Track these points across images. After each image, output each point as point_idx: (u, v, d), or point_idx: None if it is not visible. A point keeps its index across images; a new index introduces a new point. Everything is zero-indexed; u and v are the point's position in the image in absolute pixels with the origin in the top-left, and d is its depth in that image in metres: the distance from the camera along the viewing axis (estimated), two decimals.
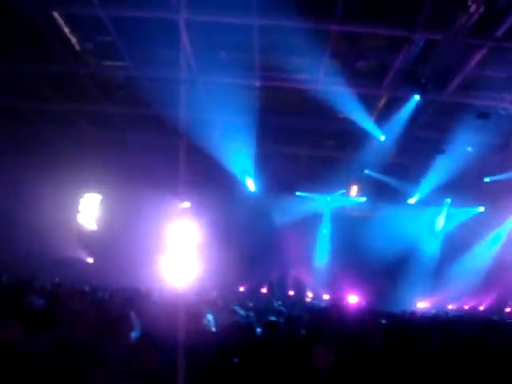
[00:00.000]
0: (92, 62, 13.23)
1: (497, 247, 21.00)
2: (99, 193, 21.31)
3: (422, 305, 20.71)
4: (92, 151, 18.34)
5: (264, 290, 19.27)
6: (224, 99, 13.87)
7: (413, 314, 13.02)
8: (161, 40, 11.68)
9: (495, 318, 14.50)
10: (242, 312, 9.25)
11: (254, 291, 19.49)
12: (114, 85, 14.35)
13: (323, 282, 21.03)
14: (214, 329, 7.12)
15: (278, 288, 18.56)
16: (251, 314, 9.03)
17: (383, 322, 9.72)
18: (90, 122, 17.87)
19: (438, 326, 9.88)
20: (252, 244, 19.64)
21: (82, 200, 21.36)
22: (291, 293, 20.65)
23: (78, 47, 12.66)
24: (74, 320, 5.62)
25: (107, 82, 14.59)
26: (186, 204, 19.86)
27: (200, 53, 12.44)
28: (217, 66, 12.74)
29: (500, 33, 10.68)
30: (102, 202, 21.34)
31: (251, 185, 20.26)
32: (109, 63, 13.33)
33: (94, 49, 12.87)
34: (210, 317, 7.47)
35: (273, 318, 8.40)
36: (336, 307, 12.62)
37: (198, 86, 13.83)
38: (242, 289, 19.85)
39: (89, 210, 21.40)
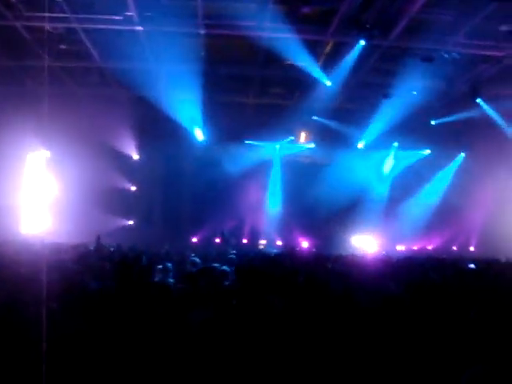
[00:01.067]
0: (28, 14, 12.63)
1: (443, 188, 21.61)
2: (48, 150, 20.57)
3: (374, 247, 21.23)
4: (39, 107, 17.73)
5: (217, 240, 19.32)
6: (168, 48, 13.59)
7: (363, 256, 13.33)
8: None
9: (444, 256, 14.98)
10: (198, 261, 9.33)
11: (207, 241, 19.58)
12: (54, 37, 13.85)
13: (276, 228, 21.30)
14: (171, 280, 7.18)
15: (232, 237, 18.65)
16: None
17: (329, 266, 9.91)
18: (33, 77, 17.21)
19: (388, 266, 10.14)
20: (203, 194, 19.64)
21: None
22: (245, 241, 20.83)
23: None
24: None
25: (47, 35, 14.03)
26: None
27: (142, 1, 12.04)
28: (160, 15, 12.39)
29: None
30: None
31: (199, 134, 20.10)
32: (46, 15, 12.74)
33: (30, 0, 12.29)
34: (169, 266, 7.53)
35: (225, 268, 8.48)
36: (288, 253, 12.79)
37: (141, 35, 13.44)
38: (194, 239, 19.87)
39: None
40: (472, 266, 10.55)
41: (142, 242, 15.48)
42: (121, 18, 12.55)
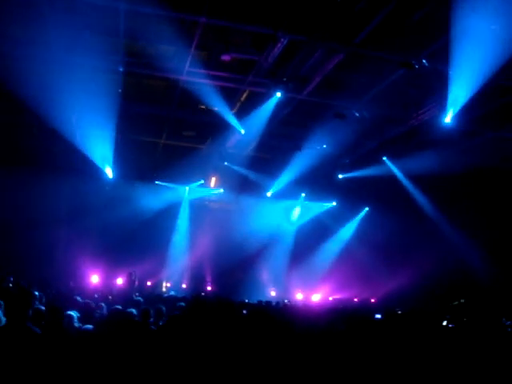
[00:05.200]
0: None
1: (347, 240, 22.19)
2: None
3: (273, 294, 21.43)
4: None
5: (120, 281, 18.67)
6: (85, 81, 13.35)
7: (268, 303, 13.52)
8: (20, 15, 11.00)
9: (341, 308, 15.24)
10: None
11: (108, 281, 18.95)
12: None
13: (181, 271, 21.08)
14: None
15: (136, 278, 18.14)
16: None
17: (244, 312, 9.92)
18: None
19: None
20: (109, 232, 19.08)
21: None
22: (149, 283, 20.35)
23: None
24: None
25: None
26: None
27: (62, 31, 11.79)
28: (79, 47, 12.19)
29: (358, 40, 11.24)
30: None
31: (109, 172, 19.69)
32: None
33: None
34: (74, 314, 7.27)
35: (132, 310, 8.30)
36: (196, 299, 12.69)
37: (58, 65, 13.13)
38: (96, 279, 19.12)
39: None
40: (378, 316, 10.81)
41: (41, 276, 14.89)
42: (38, 45, 12.23)
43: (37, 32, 11.70)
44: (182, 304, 10.37)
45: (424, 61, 11.52)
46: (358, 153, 18.09)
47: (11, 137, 18.35)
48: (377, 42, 11.30)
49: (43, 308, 6.79)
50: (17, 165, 18.60)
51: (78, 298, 10.11)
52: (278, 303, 14.86)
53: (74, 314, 7.28)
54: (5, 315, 6.69)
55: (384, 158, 17.84)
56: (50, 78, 13.17)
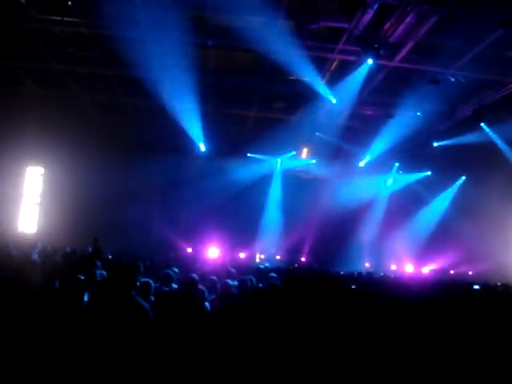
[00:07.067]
0: (37, 16, 12.61)
1: (442, 211, 21.54)
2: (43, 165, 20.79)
3: (367, 265, 21.23)
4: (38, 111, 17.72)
5: (213, 253, 19.00)
6: (175, 58, 13.56)
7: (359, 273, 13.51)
8: None
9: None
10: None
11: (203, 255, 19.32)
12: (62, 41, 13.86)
13: (275, 243, 21.20)
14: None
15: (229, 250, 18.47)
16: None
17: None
18: (35, 79, 17.23)
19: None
20: (203, 205, 19.48)
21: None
22: (243, 255, 20.60)
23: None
24: None
25: (54, 38, 14.02)
26: None
27: (150, 9, 12.03)
28: (168, 24, 12.36)
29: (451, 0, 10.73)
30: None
31: (201, 145, 20.04)
32: (56, 18, 12.74)
33: (40, 2, 12.28)
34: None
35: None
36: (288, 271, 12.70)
37: (148, 43, 13.42)
38: (190, 250, 19.65)
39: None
40: (476, 287, 10.50)
41: (139, 249, 15.37)
42: (129, 25, 12.52)
43: (127, 11, 11.98)
44: (274, 275, 10.37)
45: None
46: (454, 119, 17.39)
47: (107, 115, 19.02)
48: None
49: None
50: (113, 142, 19.30)
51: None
52: (369, 274, 14.65)
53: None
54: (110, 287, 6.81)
55: (482, 125, 17.05)
56: (142, 56, 13.48)
